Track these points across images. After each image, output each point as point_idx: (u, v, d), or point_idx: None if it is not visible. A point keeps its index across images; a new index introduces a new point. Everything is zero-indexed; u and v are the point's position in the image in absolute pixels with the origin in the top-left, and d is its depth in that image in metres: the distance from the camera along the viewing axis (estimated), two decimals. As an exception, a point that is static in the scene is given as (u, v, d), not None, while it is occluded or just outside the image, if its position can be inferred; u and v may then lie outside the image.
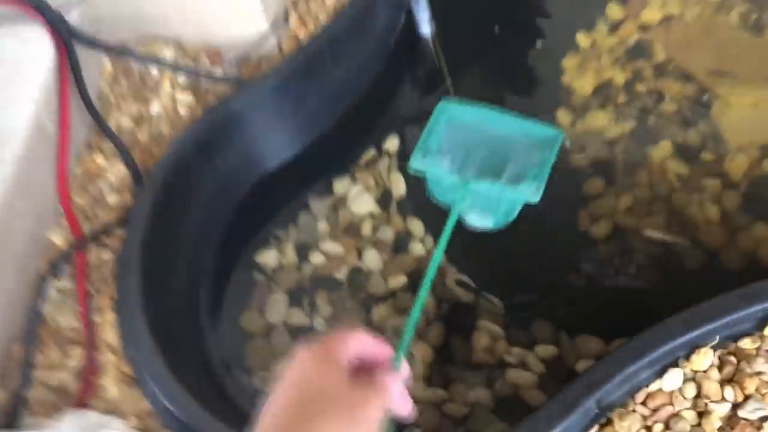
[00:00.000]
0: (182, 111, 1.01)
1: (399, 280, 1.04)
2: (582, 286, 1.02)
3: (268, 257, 1.06)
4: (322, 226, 1.10)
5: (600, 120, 1.18)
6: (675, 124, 1.14)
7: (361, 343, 0.47)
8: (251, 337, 1.00)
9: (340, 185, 1.13)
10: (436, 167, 0.72)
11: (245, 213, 1.05)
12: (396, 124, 1.18)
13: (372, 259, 1.06)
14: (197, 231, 0.95)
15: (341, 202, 1.12)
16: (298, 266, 1.06)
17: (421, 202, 1.11)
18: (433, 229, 1.08)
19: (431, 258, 0.64)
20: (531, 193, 0.68)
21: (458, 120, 0.75)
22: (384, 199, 1.12)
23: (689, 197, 1.08)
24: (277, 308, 1.02)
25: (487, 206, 0.72)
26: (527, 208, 0.77)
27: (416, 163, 0.73)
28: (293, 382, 0.44)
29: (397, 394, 0.47)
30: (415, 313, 0.56)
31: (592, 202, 1.10)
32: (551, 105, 1.21)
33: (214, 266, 0.99)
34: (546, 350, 0.96)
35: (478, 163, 0.73)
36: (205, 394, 0.78)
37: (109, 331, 0.82)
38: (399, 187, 1.13)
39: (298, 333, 1.00)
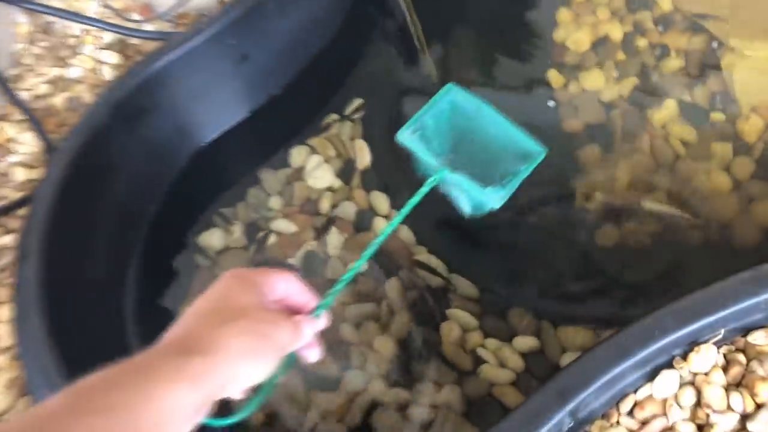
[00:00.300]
0: (107, 73, 0.88)
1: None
2: (568, 268, 0.89)
3: (211, 238, 0.93)
4: (275, 202, 0.97)
5: (596, 80, 1.05)
6: (680, 83, 1.02)
7: (288, 285, 0.50)
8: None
9: (296, 156, 1.00)
10: (420, 146, 0.73)
11: (183, 189, 0.92)
12: (360, 86, 1.04)
13: (331, 239, 0.93)
14: (121, 210, 0.83)
15: (297, 174, 0.99)
16: (247, 248, 0.94)
17: (388, 175, 0.99)
18: (401, 206, 0.95)
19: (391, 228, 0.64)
20: (495, 199, 0.69)
21: (460, 107, 0.75)
22: (346, 171, 0.99)
23: (696, 165, 0.95)
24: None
25: (459, 195, 0.73)
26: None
27: (403, 136, 0.73)
28: (212, 296, 0.46)
29: (308, 338, 0.49)
30: (350, 273, 0.57)
31: (587, 172, 0.96)
32: (542, 64, 1.07)
33: (145, 249, 0.87)
34: (525, 342, 0.83)
35: (462, 155, 0.75)
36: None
37: (3, 329, 0.70)
38: (363, 157, 0.99)
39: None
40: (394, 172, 0.99)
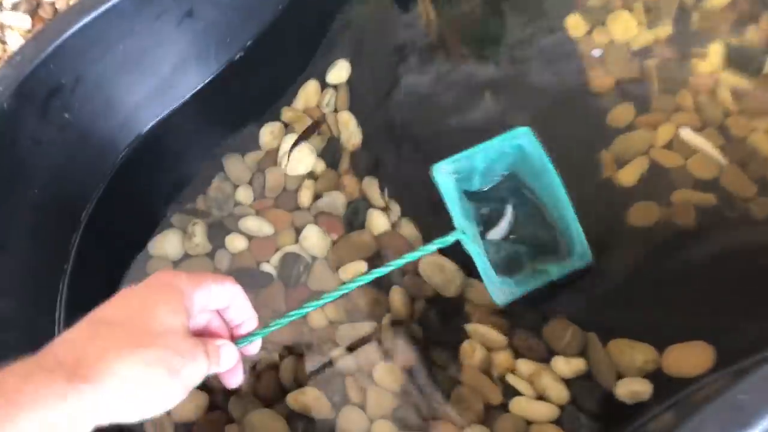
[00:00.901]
0: (13, 42, 0.68)
1: (353, 270, 0.72)
2: (614, 262, 0.70)
3: (166, 244, 0.74)
4: (243, 195, 0.78)
5: (626, 25, 0.84)
6: (728, 22, 0.84)
7: (226, 298, 0.46)
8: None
9: (267, 135, 0.81)
10: (453, 193, 0.62)
11: (124, 185, 0.73)
12: (344, 45, 0.84)
13: (314, 240, 0.74)
14: (39, 220, 0.63)
15: (269, 159, 0.79)
16: (212, 255, 0.75)
17: (385, 157, 0.79)
18: (401, 194, 0.76)
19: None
20: (500, 295, 0.61)
21: (526, 158, 0.65)
22: (330, 152, 0.80)
23: (750, 122, 0.77)
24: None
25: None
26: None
27: (439, 172, 0.63)
28: (125, 306, 0.40)
29: (228, 366, 0.45)
30: (300, 312, 0.53)
31: (618, 138, 0.77)
32: (561, 7, 0.86)
33: (77, 266, 0.68)
34: (570, 365, 0.64)
35: (503, 225, 0.66)
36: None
37: None
38: (351, 134, 0.80)
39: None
40: (392, 151, 0.79)
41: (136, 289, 0.41)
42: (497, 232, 0.67)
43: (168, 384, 0.38)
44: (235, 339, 0.49)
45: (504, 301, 0.62)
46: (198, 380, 0.41)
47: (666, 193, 0.74)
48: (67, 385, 0.35)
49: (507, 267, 0.66)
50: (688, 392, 0.58)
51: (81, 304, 0.66)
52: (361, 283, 0.55)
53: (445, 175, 0.64)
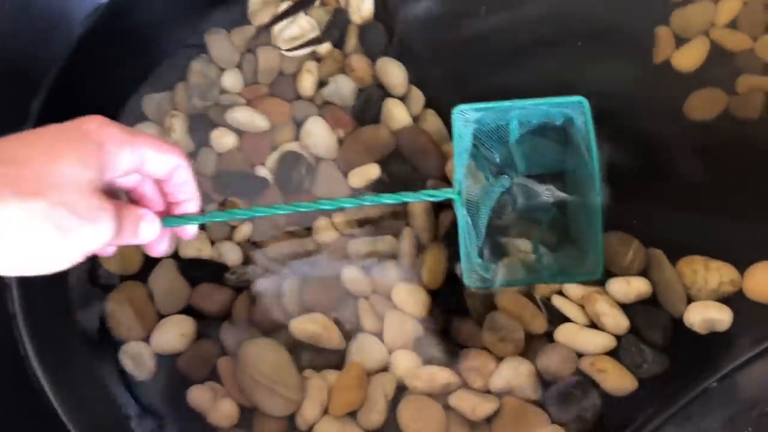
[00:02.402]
0: None
1: (366, 174, 0.60)
2: (677, 164, 0.58)
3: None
4: (231, 80, 0.64)
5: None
6: None
7: (159, 170, 0.40)
8: (116, 282, 0.58)
9: (258, 6, 0.66)
10: (463, 142, 0.52)
11: (88, 66, 0.59)
12: None
13: (318, 136, 0.61)
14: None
15: (261, 36, 0.65)
16: (194, 154, 0.62)
17: (404, 31, 0.65)
18: (426, 79, 0.62)
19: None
20: (472, 276, 0.51)
21: (573, 132, 0.54)
22: (336, 27, 0.65)
23: None
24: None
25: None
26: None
27: (459, 113, 0.53)
28: (23, 143, 0.34)
29: (146, 238, 0.40)
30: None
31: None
32: None
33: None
34: (629, 288, 0.53)
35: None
36: None
37: None
38: (361, 3, 0.65)
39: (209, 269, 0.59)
40: (413, 24, 0.65)
41: (51, 129, 0.35)
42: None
43: (54, 243, 0.33)
44: (166, 215, 0.43)
45: (473, 285, 0.52)
46: (98, 246, 0.36)
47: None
48: None
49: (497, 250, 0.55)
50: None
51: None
52: (340, 205, 0.48)
53: (464, 123, 0.52)
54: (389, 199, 0.48)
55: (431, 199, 0.50)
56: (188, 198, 0.43)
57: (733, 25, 0.65)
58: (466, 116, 0.53)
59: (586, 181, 0.52)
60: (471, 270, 0.51)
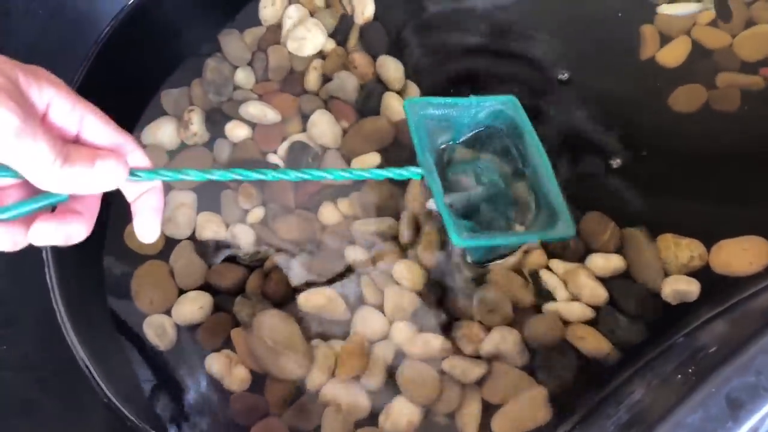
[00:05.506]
0: None
1: (367, 161, 0.65)
2: (656, 151, 0.63)
3: (159, 133, 0.67)
4: (244, 77, 0.70)
5: None
6: None
7: (98, 136, 0.36)
8: (140, 261, 0.64)
9: (268, 8, 0.71)
10: (420, 120, 0.53)
11: (112, 64, 0.65)
12: None
13: (323, 127, 0.67)
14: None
15: (271, 36, 0.70)
16: (210, 145, 0.68)
17: (400, 30, 0.70)
18: (421, 74, 0.68)
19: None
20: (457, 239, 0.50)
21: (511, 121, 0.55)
22: (342, 28, 0.70)
23: None
24: (183, 212, 0.65)
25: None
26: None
27: (410, 108, 0.53)
28: None
29: (111, 174, 0.35)
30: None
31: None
32: None
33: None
34: (608, 263, 0.59)
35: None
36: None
37: None
38: (364, 4, 0.70)
39: (215, 249, 0.64)
40: (411, 25, 0.70)
41: None
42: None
43: None
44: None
45: (462, 243, 0.52)
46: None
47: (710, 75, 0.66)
48: None
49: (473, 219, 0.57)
50: (742, 296, 0.53)
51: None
52: (323, 177, 0.44)
53: (415, 114, 0.54)
54: (353, 174, 0.46)
55: (396, 177, 0.47)
56: (108, 144, 0.37)
57: (714, 24, 0.70)
58: (417, 109, 0.54)
59: (534, 155, 0.53)
60: (460, 231, 0.50)
